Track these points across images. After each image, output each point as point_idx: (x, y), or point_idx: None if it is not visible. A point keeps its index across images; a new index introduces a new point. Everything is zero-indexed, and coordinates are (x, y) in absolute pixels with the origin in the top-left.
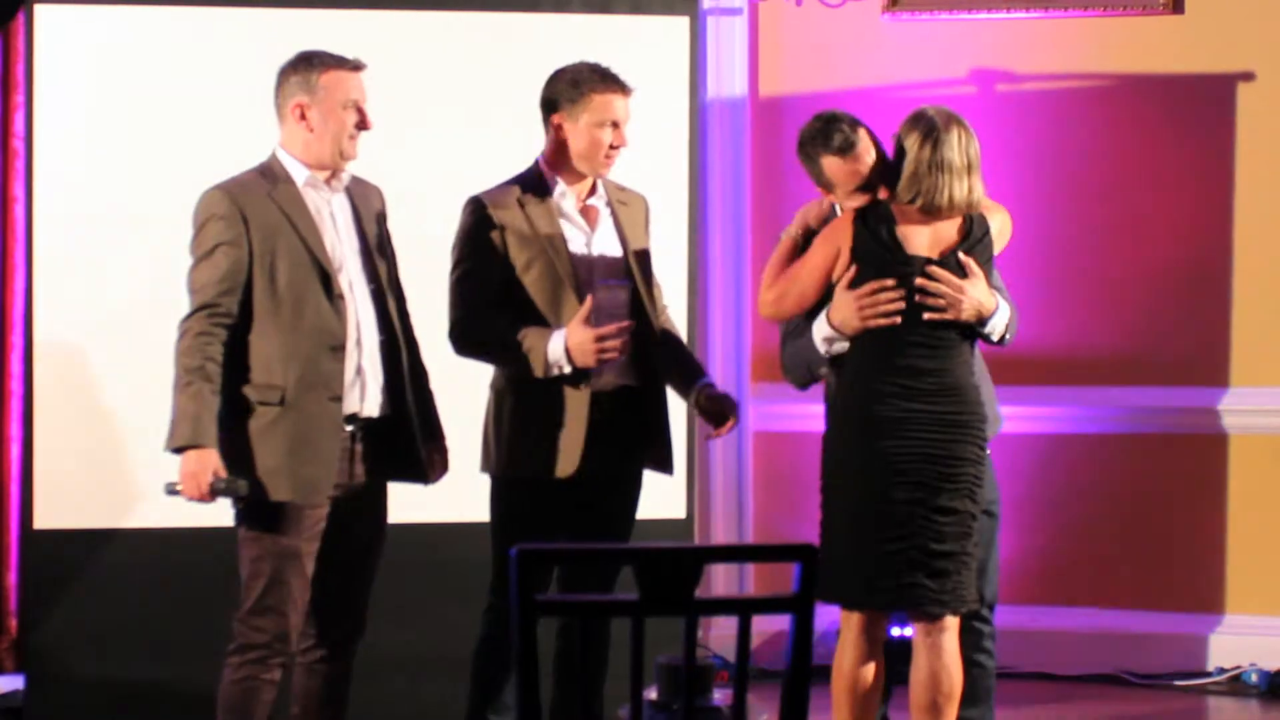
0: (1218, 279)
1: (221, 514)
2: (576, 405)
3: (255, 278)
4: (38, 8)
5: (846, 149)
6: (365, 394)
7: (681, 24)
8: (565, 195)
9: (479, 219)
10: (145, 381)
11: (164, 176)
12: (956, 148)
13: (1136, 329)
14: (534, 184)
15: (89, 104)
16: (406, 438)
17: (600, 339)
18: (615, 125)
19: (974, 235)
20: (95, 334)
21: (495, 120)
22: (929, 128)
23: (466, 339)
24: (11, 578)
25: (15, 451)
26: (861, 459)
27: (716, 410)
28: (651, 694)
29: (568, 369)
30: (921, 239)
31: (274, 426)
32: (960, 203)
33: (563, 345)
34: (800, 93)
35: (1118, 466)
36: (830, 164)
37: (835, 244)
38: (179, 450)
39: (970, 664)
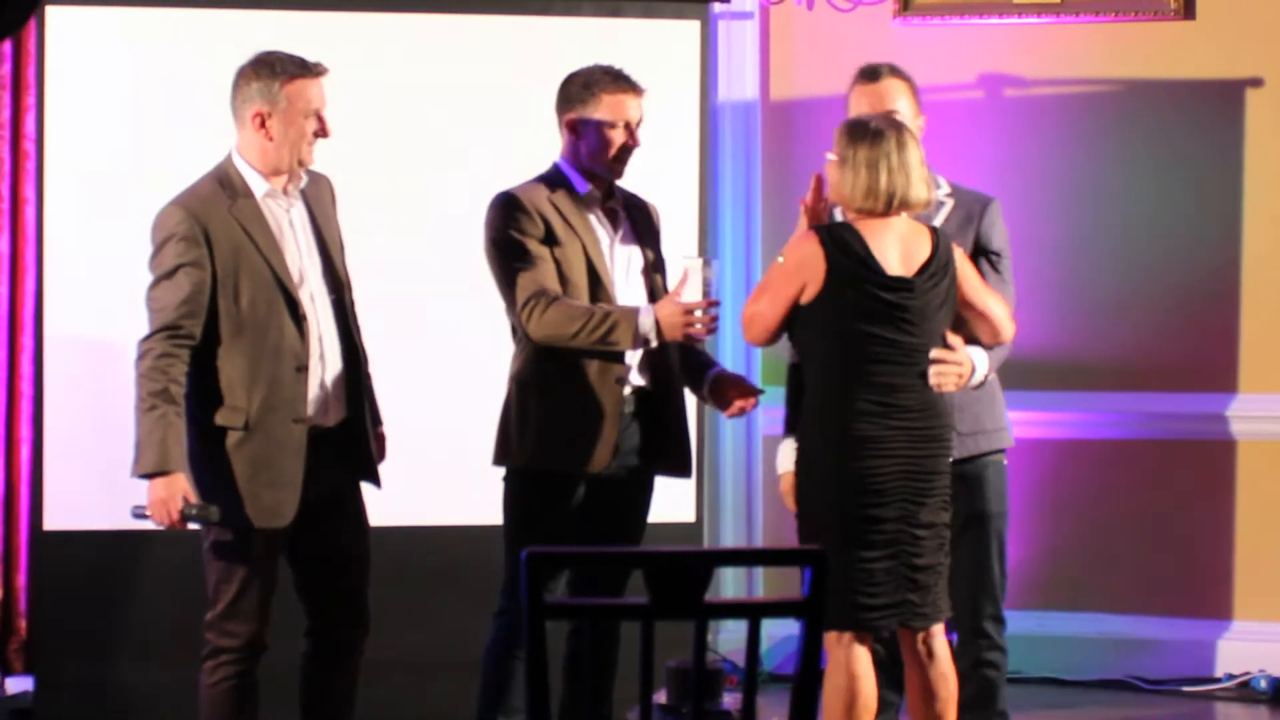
0: (1227, 285)
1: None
2: (612, 401)
3: (219, 299)
4: (49, 9)
5: None
6: (328, 407)
7: (692, 27)
8: (590, 194)
9: (516, 209)
10: None
11: (174, 179)
12: (916, 150)
13: (1145, 334)
14: (560, 182)
15: (100, 106)
16: (362, 441)
17: (689, 312)
18: (628, 125)
19: (943, 256)
20: (105, 336)
21: (507, 123)
22: (883, 132)
23: (549, 318)
24: (21, 579)
25: (26, 453)
26: (842, 479)
27: (736, 382)
28: (661, 697)
29: (655, 342)
30: (894, 255)
31: (238, 450)
32: (932, 200)
33: (653, 318)
34: (811, 96)
35: (1126, 472)
36: None
37: (802, 278)
38: (146, 476)
39: (984, 666)
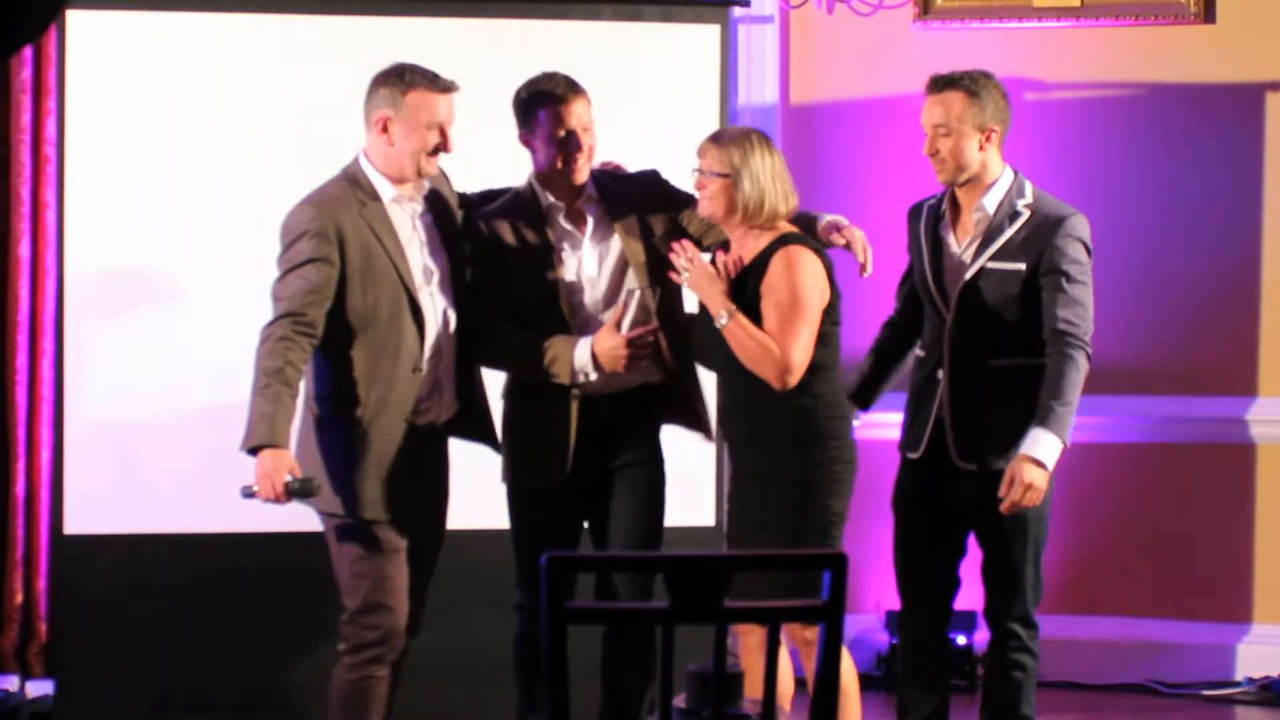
0: (1246, 288)
1: (250, 519)
2: (565, 411)
3: (346, 296)
4: (69, 14)
5: None
6: (441, 406)
7: (713, 31)
8: (553, 206)
9: (476, 239)
10: (175, 388)
11: (195, 182)
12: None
13: (1164, 338)
14: (525, 198)
15: (120, 110)
16: (476, 431)
17: (630, 344)
18: (570, 134)
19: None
20: (125, 340)
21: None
22: (764, 137)
23: (489, 355)
24: (42, 583)
25: (46, 457)
26: (837, 475)
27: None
28: (680, 701)
29: (594, 376)
30: None
31: (351, 443)
32: None
33: (589, 352)
34: (831, 100)
35: (1145, 475)
36: None
37: (824, 292)
38: (254, 451)
39: (1011, 667)
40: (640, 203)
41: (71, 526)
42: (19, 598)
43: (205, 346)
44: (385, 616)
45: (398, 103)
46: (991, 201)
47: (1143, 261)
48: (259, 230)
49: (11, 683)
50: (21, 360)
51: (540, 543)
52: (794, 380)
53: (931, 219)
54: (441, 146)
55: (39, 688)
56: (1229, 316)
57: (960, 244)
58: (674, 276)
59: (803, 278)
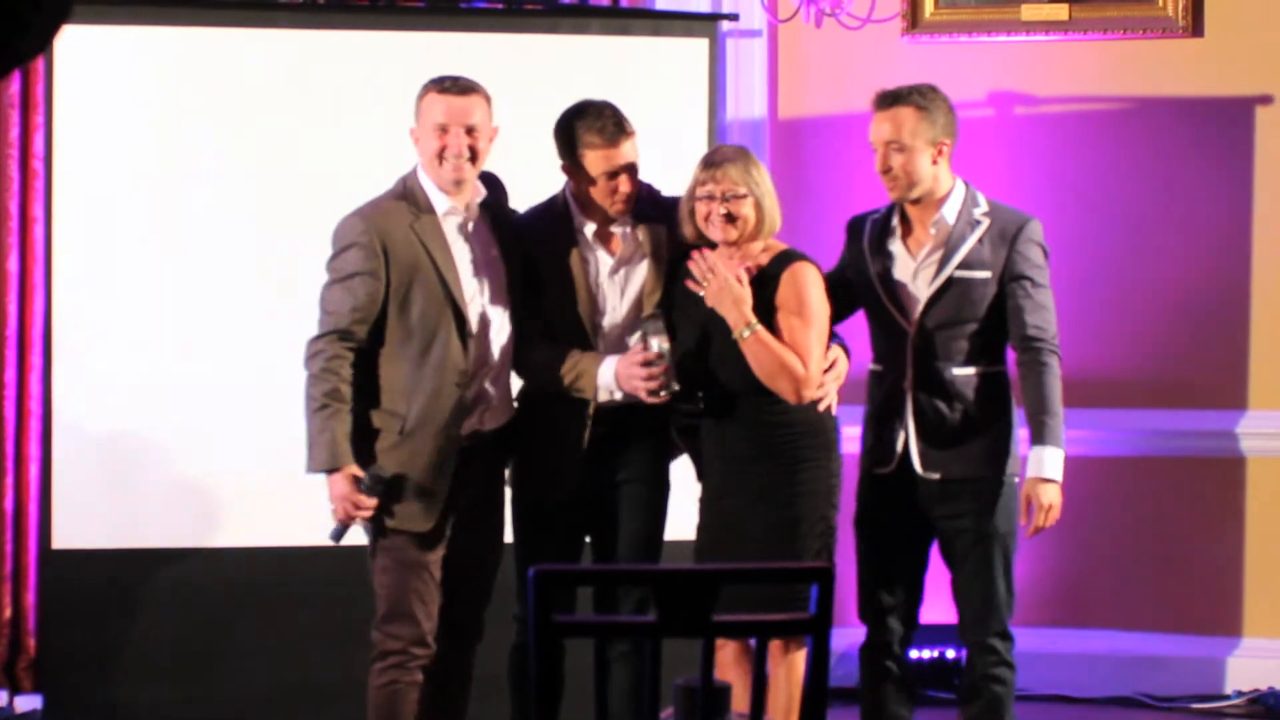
0: (1236, 302)
1: (237, 534)
2: (580, 426)
3: (389, 309)
4: None
5: None
6: (490, 414)
7: (701, 45)
8: (585, 225)
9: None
10: (164, 401)
11: (183, 196)
12: None
13: (1154, 352)
14: (559, 210)
15: (108, 125)
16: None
17: (644, 364)
18: (614, 175)
19: None
20: (114, 354)
21: (513, 142)
22: None
23: (530, 361)
24: (30, 597)
25: (34, 471)
26: (836, 487)
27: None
28: (667, 716)
29: (619, 395)
30: None
31: (391, 454)
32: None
33: (613, 372)
34: (820, 114)
35: (1135, 489)
36: None
37: (827, 305)
38: (320, 471)
39: (992, 681)
40: (670, 229)
41: (60, 541)
42: (7, 612)
43: (193, 361)
44: (406, 626)
45: (416, 111)
46: (951, 212)
47: (1132, 274)
48: (247, 244)
49: (0, 697)
50: (10, 375)
51: (543, 556)
52: (810, 394)
53: (877, 232)
54: (450, 149)
55: (27, 702)
56: (1219, 330)
57: (916, 256)
58: (692, 286)
59: (813, 292)
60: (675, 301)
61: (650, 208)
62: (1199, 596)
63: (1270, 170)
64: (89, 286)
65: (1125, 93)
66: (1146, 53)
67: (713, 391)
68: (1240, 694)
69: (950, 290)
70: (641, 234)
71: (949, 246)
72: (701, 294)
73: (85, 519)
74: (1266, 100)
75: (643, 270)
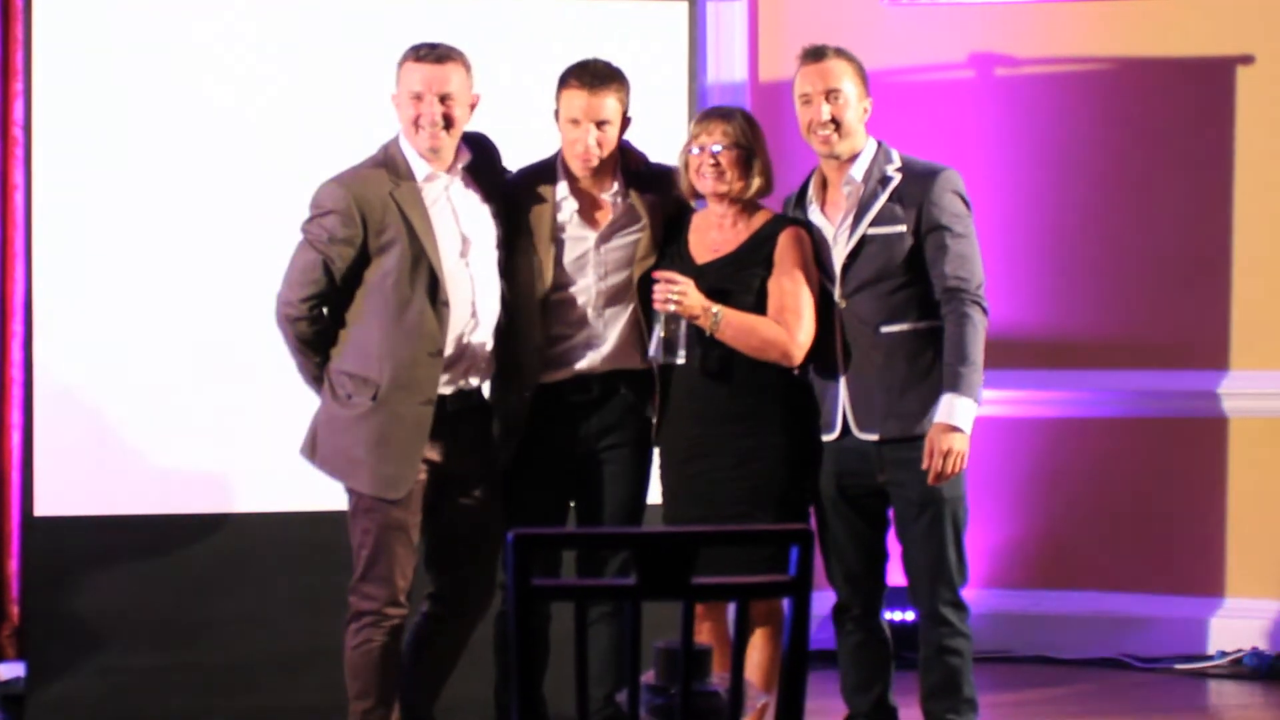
0: (1217, 262)
1: (219, 501)
2: (521, 400)
3: (365, 276)
4: None
5: None
6: (474, 369)
7: (680, 9)
8: (566, 197)
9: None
10: (146, 370)
11: (164, 164)
12: None
13: (1136, 313)
14: (543, 169)
15: (89, 92)
16: None
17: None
18: (575, 123)
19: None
20: (95, 321)
21: (493, 105)
22: None
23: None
24: (13, 565)
25: (16, 439)
26: (811, 452)
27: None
28: (648, 678)
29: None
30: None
31: (364, 420)
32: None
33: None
34: None
35: (1118, 450)
36: None
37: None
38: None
39: (947, 653)
40: (663, 197)
41: (42, 509)
42: None
43: (176, 329)
44: (382, 587)
45: (396, 78)
46: (859, 171)
47: (1113, 236)
48: (229, 212)
49: None
50: None
51: (527, 521)
52: (801, 355)
53: (793, 206)
54: (424, 116)
55: (10, 670)
56: (1200, 290)
57: (834, 221)
58: (660, 307)
59: (806, 256)
60: (670, 265)
61: (642, 176)
62: (1182, 557)
63: (1252, 130)
64: (70, 254)
65: (1108, 53)
66: (1129, 13)
67: (711, 351)
68: (1223, 654)
69: (865, 249)
70: (635, 200)
71: (860, 205)
72: (673, 308)
73: (68, 486)
74: (1249, 60)
75: (633, 237)
